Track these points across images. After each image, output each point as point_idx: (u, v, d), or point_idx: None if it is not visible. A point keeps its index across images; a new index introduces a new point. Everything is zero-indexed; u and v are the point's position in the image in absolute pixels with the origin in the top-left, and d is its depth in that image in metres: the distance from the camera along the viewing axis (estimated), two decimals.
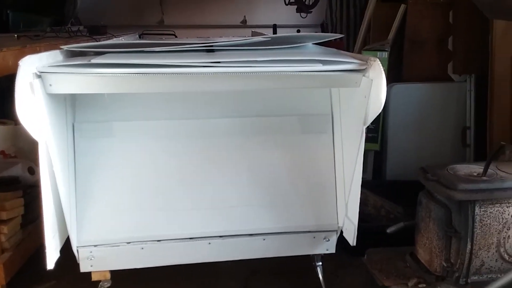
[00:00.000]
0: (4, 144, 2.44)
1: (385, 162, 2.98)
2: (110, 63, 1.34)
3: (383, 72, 1.44)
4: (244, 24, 5.10)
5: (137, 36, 3.43)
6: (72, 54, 1.61)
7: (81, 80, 1.32)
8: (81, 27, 3.51)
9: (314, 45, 1.98)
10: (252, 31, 3.70)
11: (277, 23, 4.66)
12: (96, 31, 3.31)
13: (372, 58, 1.49)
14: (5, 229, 1.97)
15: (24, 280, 2.13)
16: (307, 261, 1.99)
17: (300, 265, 2.23)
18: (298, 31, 4.83)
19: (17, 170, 2.24)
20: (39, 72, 1.30)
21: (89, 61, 1.34)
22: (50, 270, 1.49)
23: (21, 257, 2.07)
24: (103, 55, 1.46)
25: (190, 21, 4.95)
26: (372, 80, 1.46)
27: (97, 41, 2.57)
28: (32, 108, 1.27)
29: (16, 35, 2.67)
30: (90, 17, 4.33)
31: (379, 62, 1.46)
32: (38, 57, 1.32)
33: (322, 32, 4.77)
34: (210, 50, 1.66)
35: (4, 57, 1.87)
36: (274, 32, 4.62)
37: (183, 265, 1.78)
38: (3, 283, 1.93)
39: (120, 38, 2.87)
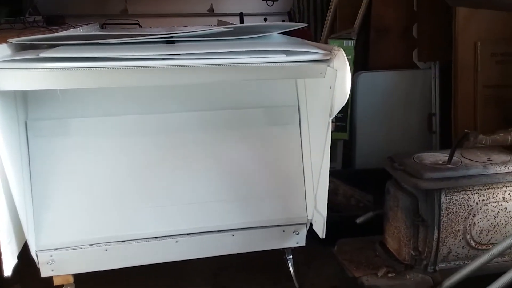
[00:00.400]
0: None
1: (354, 150, 2.99)
2: (61, 56, 1.25)
3: (347, 62, 1.41)
4: (211, 13, 5.00)
5: (98, 26, 3.28)
6: (23, 48, 1.51)
7: (29, 76, 1.23)
8: (39, 17, 3.33)
9: (280, 34, 1.94)
10: (218, 20, 3.62)
11: (243, 11, 4.59)
12: (53, 21, 3.15)
13: (336, 48, 1.46)
14: None
15: None
16: (277, 254, 1.97)
17: (270, 258, 2.21)
18: (265, 19, 4.78)
19: None
20: None
21: (38, 55, 1.26)
22: (11, 275, 1.42)
23: None
24: (54, 48, 1.37)
25: (155, 10, 4.82)
26: (336, 70, 1.44)
27: (53, 32, 2.44)
28: None
29: None
30: (49, 7, 4.14)
31: (343, 52, 1.44)
32: None
33: (289, 20, 4.73)
34: (170, 42, 1.59)
35: None
36: (241, 20, 4.55)
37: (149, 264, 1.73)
38: None
39: (79, 28, 2.74)
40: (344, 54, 1.42)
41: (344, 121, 2.89)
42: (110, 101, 1.66)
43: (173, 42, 1.60)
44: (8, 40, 1.40)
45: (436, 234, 1.74)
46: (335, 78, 1.44)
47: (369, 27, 3.01)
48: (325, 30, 3.28)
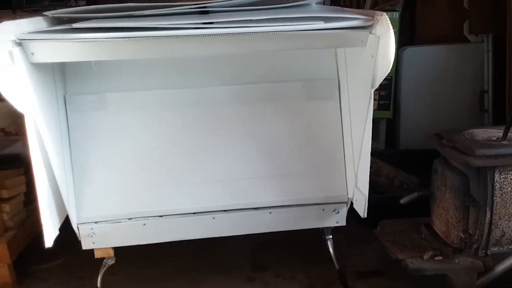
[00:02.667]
0: (4, 121, 2.39)
1: (398, 130, 2.86)
2: (94, 27, 1.24)
3: (391, 27, 1.31)
4: None
5: None
6: (58, 22, 1.51)
7: (64, 47, 1.23)
8: (82, 1, 3.41)
9: (317, 4, 1.85)
10: None
11: None
12: (95, 3, 3.21)
13: (379, 13, 1.36)
14: (7, 207, 1.93)
15: (32, 259, 2.12)
16: (317, 233, 1.91)
17: (310, 237, 2.16)
18: None
19: (18, 148, 2.19)
20: (18, 39, 1.21)
21: (71, 26, 1.25)
22: (59, 247, 1.46)
23: (26, 235, 2.04)
24: (88, 20, 1.36)
25: None
26: (379, 37, 1.34)
27: None
28: (14, 79, 1.19)
29: (12, 11, 2.59)
30: None
31: (387, 17, 1.34)
32: (16, 24, 1.23)
33: None
34: (203, 12, 1.55)
35: None
36: None
37: (189, 240, 1.73)
38: (9, 262, 1.91)
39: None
40: (388, 19, 1.32)
41: (387, 99, 2.76)
42: (147, 75, 1.65)
43: (206, 12, 1.55)
44: (43, 13, 1.41)
45: (488, 216, 1.62)
46: (377, 46, 1.35)
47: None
48: (367, 3, 3.13)
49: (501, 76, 2.57)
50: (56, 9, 2.76)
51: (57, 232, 1.48)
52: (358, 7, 4.27)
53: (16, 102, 1.20)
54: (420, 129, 2.77)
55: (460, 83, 2.78)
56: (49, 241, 1.40)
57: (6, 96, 1.16)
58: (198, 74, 1.67)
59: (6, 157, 2.13)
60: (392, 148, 2.87)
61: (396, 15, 2.63)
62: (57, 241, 1.46)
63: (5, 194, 1.94)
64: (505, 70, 2.51)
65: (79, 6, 3.12)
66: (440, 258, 1.72)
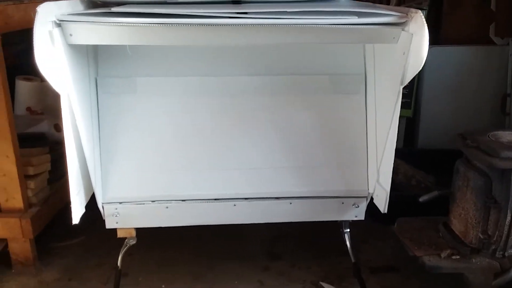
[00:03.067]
0: (30, 100, 2.44)
1: (418, 129, 2.85)
2: (132, 11, 1.26)
3: (425, 25, 1.31)
4: None
5: None
6: (93, 5, 1.54)
7: (102, 30, 1.25)
8: None
9: (348, 0, 1.85)
10: None
11: None
12: None
13: (414, 10, 1.36)
14: (32, 184, 1.99)
15: (53, 235, 2.18)
16: (333, 226, 1.93)
17: (326, 230, 2.18)
18: None
19: (44, 127, 2.24)
20: (58, 20, 1.24)
21: (110, 9, 1.27)
22: (79, 226, 1.50)
23: (49, 212, 2.09)
24: (125, 5, 1.38)
25: None
26: (412, 34, 1.34)
27: None
28: (52, 59, 1.22)
29: None
30: None
31: (421, 14, 1.33)
32: (57, 5, 1.26)
33: None
34: (235, 2, 1.56)
35: (26, 9, 1.82)
36: None
37: (208, 226, 1.76)
38: (31, 237, 1.96)
39: None
40: (423, 17, 1.32)
41: (408, 98, 2.75)
42: (176, 62, 1.66)
43: (239, 2, 1.56)
44: None
45: (509, 218, 1.62)
46: (409, 43, 1.35)
47: None
48: (393, 1, 3.11)
49: None
50: None
51: (84, 210, 1.52)
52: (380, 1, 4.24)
53: (53, 81, 1.23)
54: (440, 129, 2.76)
55: (483, 85, 2.75)
56: (76, 218, 1.44)
57: (44, 75, 1.19)
58: (226, 63, 1.69)
59: (32, 135, 2.18)
60: (411, 147, 2.86)
61: (424, 14, 2.60)
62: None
63: (31, 171, 1.99)
64: None
65: None
66: (458, 257, 1.73)
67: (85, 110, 1.48)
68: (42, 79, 2.53)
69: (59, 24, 1.24)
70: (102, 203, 1.63)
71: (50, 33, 1.20)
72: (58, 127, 2.31)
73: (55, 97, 2.75)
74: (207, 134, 1.69)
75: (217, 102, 1.69)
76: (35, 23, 1.14)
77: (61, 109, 1.30)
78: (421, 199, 1.89)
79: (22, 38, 1.73)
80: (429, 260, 1.71)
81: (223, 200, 1.69)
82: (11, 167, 1.85)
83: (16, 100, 2.44)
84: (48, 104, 2.53)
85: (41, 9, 1.16)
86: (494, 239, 1.67)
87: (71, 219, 1.48)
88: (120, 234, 1.70)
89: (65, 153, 2.23)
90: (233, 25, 1.29)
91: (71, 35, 1.26)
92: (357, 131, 1.74)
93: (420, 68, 1.36)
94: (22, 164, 1.92)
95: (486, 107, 2.78)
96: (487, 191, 1.64)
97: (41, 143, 2.14)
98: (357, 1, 1.81)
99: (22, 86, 2.41)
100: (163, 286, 1.92)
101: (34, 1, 1.91)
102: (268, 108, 1.72)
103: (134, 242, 1.74)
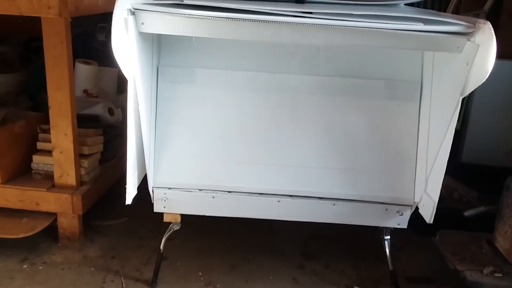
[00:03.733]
0: (87, 83, 2.54)
1: (464, 142, 2.78)
2: (203, 5, 1.30)
3: (494, 37, 1.30)
4: None
5: None
6: None
7: (173, 21, 1.30)
8: None
9: (406, 5, 1.83)
10: None
11: None
12: None
13: (482, 21, 1.35)
14: (85, 163, 2.08)
15: (98, 214, 2.27)
16: (370, 232, 1.93)
17: (362, 235, 2.18)
18: None
19: (99, 109, 2.33)
20: (133, 8, 1.30)
21: (182, 1, 1.32)
22: (123, 207, 1.56)
23: (98, 192, 2.18)
24: None
25: None
26: (478, 45, 1.33)
27: None
28: (124, 45, 1.28)
29: None
30: None
31: (490, 26, 1.32)
32: None
33: None
34: (300, 1, 1.58)
35: None
36: None
37: (247, 219, 1.79)
38: (80, 214, 2.06)
39: None
40: (491, 28, 1.30)
41: None
42: (235, 56, 1.70)
43: (302, 1, 1.58)
44: None
45: None
46: (475, 54, 1.34)
47: (500, 10, 2.72)
48: (449, 11, 3.04)
49: None
50: None
51: (136, 192, 1.58)
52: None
53: (124, 67, 1.29)
54: (487, 144, 2.68)
55: None
56: (129, 199, 1.50)
57: (117, 60, 1.25)
58: (285, 61, 1.71)
59: (88, 116, 2.28)
60: (455, 160, 2.79)
61: None
62: (120, 202, 1.54)
63: (85, 150, 2.09)
64: None
65: None
66: (500, 275, 1.69)
67: (147, 96, 1.54)
68: (99, 64, 2.63)
69: (133, 12, 1.30)
70: (153, 187, 1.69)
71: (125, 20, 1.26)
72: (112, 111, 2.40)
73: (110, 82, 2.85)
74: (259, 129, 1.72)
75: (272, 98, 1.71)
76: (114, 10, 1.19)
77: (127, 93, 1.36)
78: (466, 213, 1.87)
79: (76, 23, 1.82)
80: (471, 275, 1.69)
81: (268, 195, 1.72)
82: (69, 145, 1.95)
83: (75, 81, 2.54)
84: (103, 88, 2.64)
85: None
86: None
87: (115, 199, 1.53)
88: (166, 219, 1.75)
89: (116, 136, 2.33)
90: (298, 24, 1.31)
91: (143, 23, 1.31)
92: (408, 138, 1.73)
93: (484, 80, 1.34)
94: (78, 143, 2.01)
95: None
96: None
97: (96, 125, 2.23)
98: (418, 8, 1.80)
99: (81, 69, 2.51)
100: (200, 273, 1.97)
101: None
102: (322, 109, 1.73)
103: (178, 227, 1.79)
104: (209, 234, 2.22)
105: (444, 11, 3.34)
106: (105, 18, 2.53)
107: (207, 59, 1.69)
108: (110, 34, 1.19)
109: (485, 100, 2.69)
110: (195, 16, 1.30)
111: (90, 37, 3.01)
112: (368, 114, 1.73)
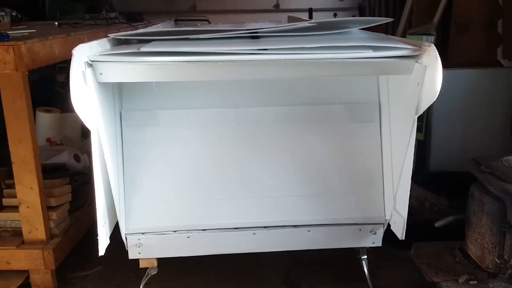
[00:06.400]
0: (50, 131, 2.50)
1: (429, 152, 2.87)
2: (159, 51, 1.33)
3: (438, 58, 1.37)
4: (277, 8, 5.01)
5: (173, 22, 3.42)
6: (118, 43, 1.61)
7: (131, 69, 1.32)
8: (117, 14, 3.52)
9: (360, 30, 1.91)
10: (288, 15, 3.63)
11: (312, 7, 4.55)
12: (132, 17, 3.33)
13: (426, 44, 1.42)
14: (54, 215, 2.02)
15: (71, 266, 2.20)
16: (350, 253, 1.95)
17: (343, 257, 2.19)
18: (335, 14, 4.72)
19: (64, 157, 2.29)
20: (90, 61, 1.30)
21: (139, 49, 1.34)
22: (96, 256, 1.52)
23: (69, 243, 2.12)
24: (150, 43, 1.45)
25: (222, 6, 4.93)
26: (426, 66, 1.40)
27: (136, 28, 2.58)
28: (84, 97, 1.28)
29: (56, 23, 2.70)
30: (123, 3, 4.37)
31: (435, 48, 1.39)
32: (89, 46, 1.33)
33: (360, 15, 4.63)
34: (255, 37, 1.63)
35: (50, 46, 1.90)
36: (310, 16, 4.52)
37: (226, 254, 1.78)
38: (53, 268, 1.99)
39: (158, 25, 2.87)
40: (436, 50, 1.38)
41: (420, 121, 2.78)
42: (195, 95, 1.73)
43: (257, 37, 1.63)
44: (108, 35, 1.51)
45: None
46: (423, 75, 1.41)
47: (449, 22, 2.87)
48: (401, 25, 3.18)
49: None
50: (94, 21, 2.87)
51: (109, 241, 1.55)
52: (386, 24, 4.34)
53: (85, 118, 1.29)
54: (451, 152, 2.78)
55: (492, 108, 2.78)
56: (102, 249, 1.47)
57: (78, 112, 1.24)
58: (245, 95, 1.75)
59: (53, 166, 2.23)
60: (422, 170, 2.88)
61: (432, 39, 2.67)
62: (94, 250, 1.51)
63: (53, 202, 2.03)
64: None
65: (117, 18, 3.22)
66: (475, 282, 1.74)
67: (111, 143, 1.53)
68: (61, 111, 2.60)
69: (91, 64, 1.31)
70: (126, 234, 1.66)
71: (83, 73, 1.26)
72: (78, 158, 2.36)
73: (73, 128, 2.81)
74: (226, 164, 1.74)
75: (236, 132, 1.74)
76: (71, 65, 1.20)
77: (91, 144, 1.35)
78: (437, 224, 1.92)
79: (35, 70, 1.80)
80: (447, 286, 1.72)
81: (243, 229, 1.73)
82: (35, 199, 1.90)
83: (37, 131, 2.50)
84: (66, 135, 2.60)
85: (76, 51, 1.22)
86: (510, 263, 1.68)
87: (88, 248, 1.49)
88: (142, 264, 1.73)
89: (85, 183, 2.28)
90: (255, 61, 1.35)
91: (101, 74, 1.32)
92: (372, 158, 1.78)
93: (435, 99, 1.40)
94: (45, 195, 1.96)
95: (495, 129, 2.80)
96: (502, 216, 1.66)
97: (62, 174, 2.19)
98: (370, 32, 1.88)
99: (42, 117, 2.48)
100: None
101: (58, 36, 1.99)
102: (285, 138, 1.77)
103: (155, 272, 1.77)
104: (189, 273, 2.18)
105: (399, 18, 3.48)
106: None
107: (169, 100, 1.71)
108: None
109: (444, 109, 2.80)
110: (153, 63, 1.31)
111: (50, 80, 2.97)
112: (331, 139, 1.78)
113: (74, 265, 2.22)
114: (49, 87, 2.94)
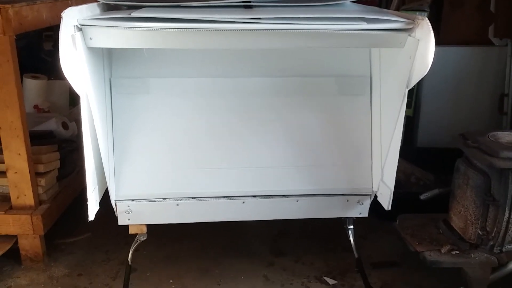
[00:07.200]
0: (37, 98, 2.47)
1: (417, 128, 2.91)
2: (151, 17, 1.30)
3: (431, 31, 1.37)
4: None
5: None
6: (108, 8, 1.58)
7: (122, 34, 1.30)
8: None
9: (353, 3, 1.90)
10: None
11: None
12: None
13: (420, 17, 1.42)
14: (42, 181, 2.02)
15: (60, 232, 2.22)
16: (335, 223, 1.99)
17: (328, 227, 2.24)
18: None
19: (52, 125, 2.27)
20: (80, 25, 1.28)
21: (130, 14, 1.31)
22: (85, 223, 1.53)
23: (58, 209, 2.13)
24: (141, 9, 1.42)
25: None
26: (418, 40, 1.40)
27: None
28: (73, 62, 1.26)
29: None
30: None
31: (428, 21, 1.39)
32: (79, 10, 1.30)
33: None
34: (248, 6, 1.61)
35: (38, 10, 1.86)
36: None
37: (214, 222, 1.81)
38: (41, 234, 2.00)
39: None
40: (429, 24, 1.38)
41: (409, 97, 2.80)
42: (188, 64, 1.71)
43: (250, 6, 1.61)
44: (98, 0, 1.47)
45: (507, 215, 1.69)
46: (416, 48, 1.41)
47: None
48: (394, 1, 3.16)
49: None
50: None
51: (98, 207, 1.56)
52: (384, 5, 4.29)
53: (75, 83, 1.27)
54: (439, 128, 2.82)
55: (482, 85, 2.81)
56: (92, 215, 1.48)
57: (67, 77, 1.23)
58: (237, 65, 1.74)
59: (41, 133, 2.21)
60: (410, 145, 2.92)
61: (425, 15, 2.66)
62: (83, 217, 1.52)
63: (41, 168, 2.03)
64: None
65: None
66: (457, 252, 1.79)
67: (101, 110, 1.52)
68: (48, 78, 2.56)
69: (80, 28, 1.28)
70: (115, 200, 1.67)
71: (73, 37, 1.24)
72: (66, 125, 2.34)
73: (61, 96, 2.77)
74: (217, 133, 1.74)
75: (228, 102, 1.74)
76: (60, 28, 1.17)
77: (80, 109, 1.34)
78: (422, 197, 1.96)
79: (22, 35, 1.77)
80: (430, 255, 1.78)
81: (232, 198, 1.75)
82: (23, 165, 1.89)
83: (24, 98, 2.46)
84: (54, 102, 2.56)
85: (65, 14, 1.20)
86: (492, 235, 1.74)
87: (76, 215, 1.50)
88: (132, 231, 1.74)
89: (73, 151, 2.27)
90: (247, 30, 1.34)
91: (91, 38, 1.30)
92: (362, 131, 1.80)
93: (426, 73, 1.41)
94: (33, 161, 1.95)
95: (484, 106, 2.84)
96: (486, 189, 1.71)
97: (50, 141, 2.17)
98: (363, 5, 1.86)
99: (30, 84, 2.44)
100: (171, 281, 1.97)
101: (46, 1, 1.94)
102: (277, 109, 1.77)
103: (145, 238, 1.79)
104: (177, 241, 2.22)
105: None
106: (51, 27, 2.48)
107: (160, 68, 1.69)
108: (58, 45, 1.17)
109: (434, 86, 2.82)
110: (144, 29, 1.29)
111: (37, 48, 2.91)
112: (322, 111, 1.79)
113: (64, 232, 2.24)
114: (35, 54, 2.88)
